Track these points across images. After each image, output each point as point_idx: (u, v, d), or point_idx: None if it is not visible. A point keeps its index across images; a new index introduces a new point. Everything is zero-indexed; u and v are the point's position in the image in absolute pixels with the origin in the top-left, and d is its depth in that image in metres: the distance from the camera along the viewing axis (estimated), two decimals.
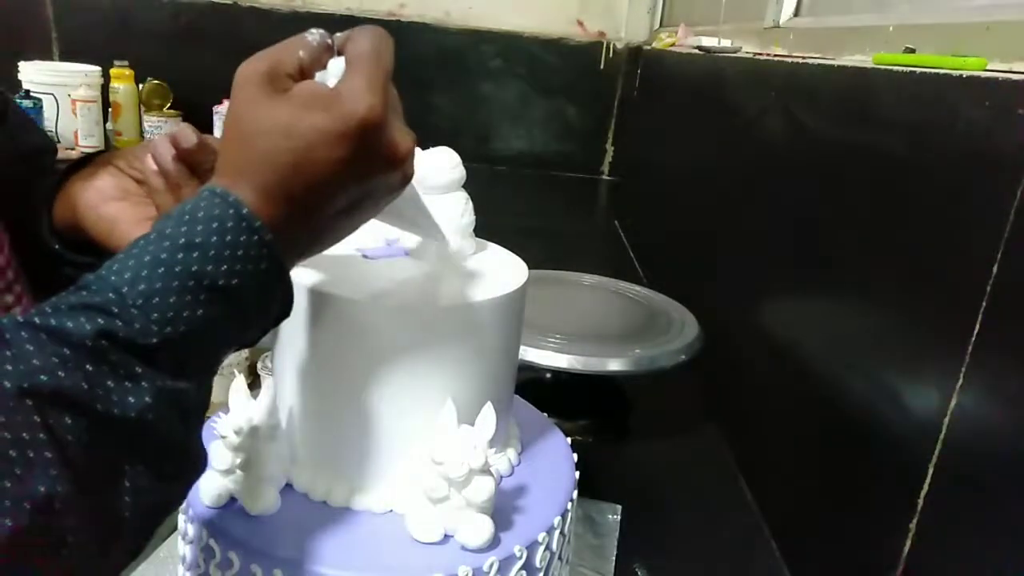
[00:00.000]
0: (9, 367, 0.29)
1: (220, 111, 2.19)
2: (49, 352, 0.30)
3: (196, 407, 0.36)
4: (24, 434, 0.28)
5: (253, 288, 0.36)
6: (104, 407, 0.30)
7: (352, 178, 0.37)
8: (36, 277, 0.53)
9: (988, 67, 0.58)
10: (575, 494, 0.53)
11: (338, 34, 0.39)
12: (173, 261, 0.33)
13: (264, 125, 0.36)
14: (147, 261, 0.33)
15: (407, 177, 0.39)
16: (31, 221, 0.52)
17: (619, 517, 0.78)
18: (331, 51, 0.38)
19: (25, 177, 0.54)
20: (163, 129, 2.16)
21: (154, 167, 0.48)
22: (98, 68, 2.20)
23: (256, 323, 0.38)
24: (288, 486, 0.49)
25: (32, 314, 0.31)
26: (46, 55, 2.29)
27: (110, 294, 0.32)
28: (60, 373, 0.30)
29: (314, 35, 0.38)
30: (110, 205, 0.51)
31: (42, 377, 0.29)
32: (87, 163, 0.54)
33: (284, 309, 0.39)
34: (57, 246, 0.52)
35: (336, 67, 0.38)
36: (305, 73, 0.38)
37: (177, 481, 0.36)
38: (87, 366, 0.30)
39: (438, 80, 2.51)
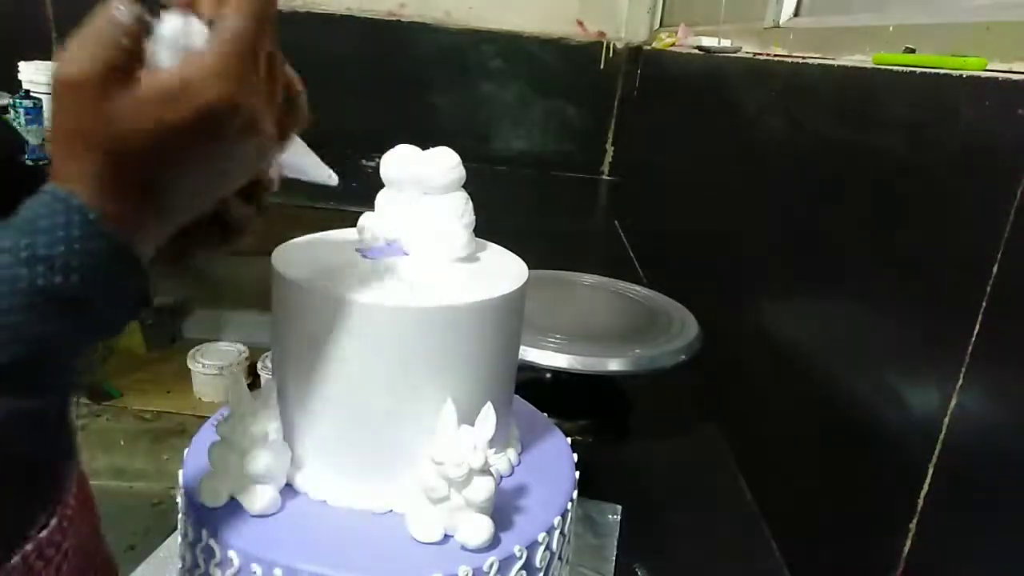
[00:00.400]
0: None
1: None
2: None
3: (56, 416, 0.34)
4: None
5: (107, 292, 0.34)
6: None
7: (208, 161, 0.35)
8: None
9: (988, 67, 0.58)
10: (575, 494, 0.53)
11: None
12: (15, 277, 0.31)
13: (107, 129, 0.32)
14: None
15: (276, 143, 0.38)
16: None
17: (619, 517, 0.78)
18: (153, 16, 0.34)
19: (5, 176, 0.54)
20: None
21: None
22: None
23: (114, 323, 0.36)
24: (288, 486, 0.49)
25: None
26: (46, 55, 2.29)
27: None
28: None
29: (121, 11, 0.33)
30: None
31: None
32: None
33: (144, 299, 0.37)
34: None
35: (169, 29, 0.33)
36: (133, 56, 0.33)
37: (39, 498, 0.34)
38: None
39: (438, 80, 2.50)
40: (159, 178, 0.34)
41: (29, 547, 0.48)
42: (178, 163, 0.34)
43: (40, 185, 0.54)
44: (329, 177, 0.50)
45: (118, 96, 0.32)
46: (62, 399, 0.34)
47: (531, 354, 0.85)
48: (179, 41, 0.34)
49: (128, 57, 0.33)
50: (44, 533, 0.50)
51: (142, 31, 0.33)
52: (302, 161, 0.47)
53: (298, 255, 0.51)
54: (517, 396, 0.59)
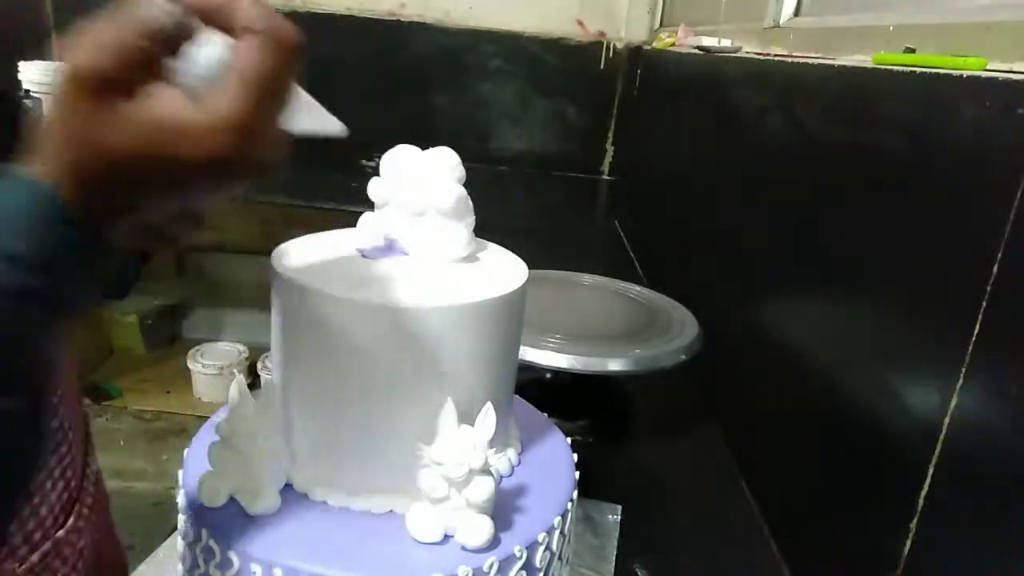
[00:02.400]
0: None
1: None
2: None
3: (33, 419, 0.32)
4: None
5: (73, 280, 0.32)
6: None
7: (204, 189, 0.33)
8: None
9: (988, 67, 0.58)
10: (575, 494, 0.53)
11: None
12: None
13: (93, 136, 0.30)
14: None
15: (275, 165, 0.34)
16: None
17: (619, 517, 0.78)
18: (189, 31, 0.30)
19: None
20: None
21: None
22: None
23: (77, 310, 0.33)
24: (288, 486, 0.49)
25: None
26: (46, 55, 2.29)
27: None
28: None
29: (161, 8, 0.29)
30: None
31: None
32: None
33: (121, 287, 0.37)
34: None
35: (206, 55, 0.30)
36: (152, 61, 0.30)
37: (11, 494, 0.33)
38: None
39: (438, 80, 2.50)
40: (137, 188, 0.32)
41: (48, 546, 0.48)
42: (162, 183, 0.32)
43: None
44: (341, 130, 0.48)
45: (115, 108, 0.29)
46: (34, 398, 0.32)
47: (531, 354, 0.85)
48: (213, 68, 0.30)
49: (144, 66, 0.30)
50: (61, 532, 0.50)
51: (170, 44, 0.30)
52: (309, 118, 0.43)
53: (298, 255, 0.51)
54: (517, 396, 0.59)
